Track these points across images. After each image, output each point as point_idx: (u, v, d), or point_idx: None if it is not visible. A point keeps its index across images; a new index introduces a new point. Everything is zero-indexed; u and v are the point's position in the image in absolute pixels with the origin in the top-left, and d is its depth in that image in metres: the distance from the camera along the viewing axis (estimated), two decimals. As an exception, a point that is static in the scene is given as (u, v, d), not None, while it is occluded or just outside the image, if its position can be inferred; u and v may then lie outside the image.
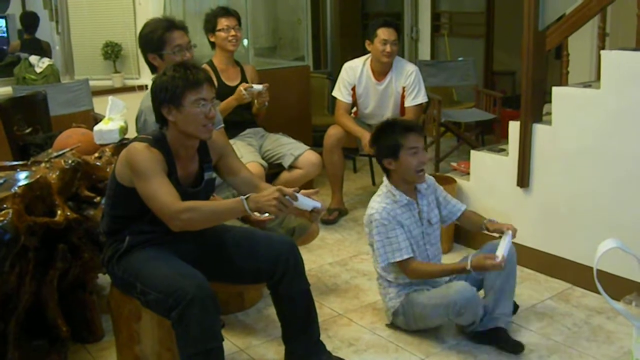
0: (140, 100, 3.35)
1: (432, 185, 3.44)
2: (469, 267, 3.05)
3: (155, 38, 3.28)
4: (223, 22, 4.50)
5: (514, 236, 3.18)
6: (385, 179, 3.34)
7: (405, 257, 3.19)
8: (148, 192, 2.57)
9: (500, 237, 3.20)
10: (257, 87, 4.36)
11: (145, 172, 2.57)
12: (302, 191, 2.61)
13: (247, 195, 2.53)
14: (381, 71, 4.93)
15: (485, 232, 3.38)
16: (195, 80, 2.61)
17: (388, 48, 4.78)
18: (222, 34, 4.50)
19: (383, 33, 4.78)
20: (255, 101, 4.46)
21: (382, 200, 3.28)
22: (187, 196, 2.66)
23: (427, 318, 3.24)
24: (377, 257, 3.27)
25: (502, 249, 3.04)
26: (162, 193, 2.55)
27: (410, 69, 4.97)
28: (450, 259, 3.53)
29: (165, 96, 2.61)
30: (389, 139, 3.24)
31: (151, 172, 2.57)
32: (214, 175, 2.90)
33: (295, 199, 2.53)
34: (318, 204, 2.62)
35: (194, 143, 2.74)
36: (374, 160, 5.98)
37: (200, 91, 2.62)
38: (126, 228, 2.72)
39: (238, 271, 2.90)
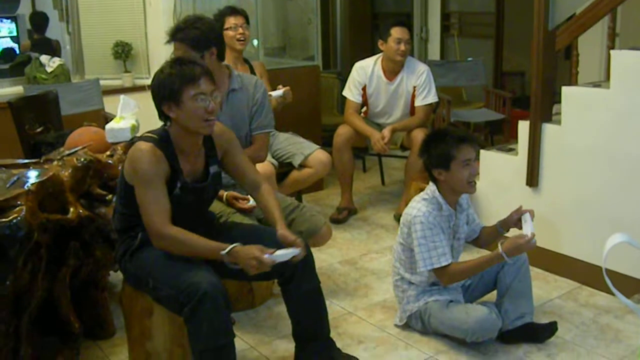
0: None
1: (468, 201, 3.43)
2: (503, 254, 3.05)
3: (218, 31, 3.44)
4: (231, 21, 4.50)
5: (532, 216, 3.18)
6: (431, 184, 3.27)
7: (448, 262, 3.16)
8: (142, 201, 2.63)
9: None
10: (276, 93, 4.33)
11: (145, 180, 2.61)
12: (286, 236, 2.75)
13: (230, 248, 2.58)
14: (393, 71, 4.95)
15: (504, 232, 3.40)
16: (192, 75, 2.62)
17: (402, 47, 4.81)
18: (230, 33, 4.50)
19: (397, 32, 4.81)
20: (274, 104, 4.41)
21: (428, 204, 3.22)
22: (195, 192, 2.71)
23: (443, 332, 3.26)
24: (419, 260, 3.18)
25: (528, 227, 3.10)
26: (154, 209, 2.60)
27: (422, 68, 4.99)
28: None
29: (164, 93, 2.63)
30: (441, 149, 3.16)
31: (150, 182, 2.61)
32: (220, 169, 2.92)
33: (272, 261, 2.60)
34: (296, 252, 2.67)
35: (197, 138, 2.75)
36: (383, 159, 6.01)
37: (198, 86, 2.62)
38: (138, 225, 2.74)
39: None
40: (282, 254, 2.63)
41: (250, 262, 2.56)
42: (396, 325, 3.44)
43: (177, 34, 3.33)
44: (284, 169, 4.49)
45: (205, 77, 2.65)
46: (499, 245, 3.08)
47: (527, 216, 3.18)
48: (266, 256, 2.57)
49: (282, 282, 2.93)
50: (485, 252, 3.61)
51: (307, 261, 2.90)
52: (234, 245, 2.59)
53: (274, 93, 4.32)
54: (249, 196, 3.40)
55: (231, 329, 2.58)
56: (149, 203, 2.60)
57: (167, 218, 2.61)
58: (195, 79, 2.62)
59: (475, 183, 3.21)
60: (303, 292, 2.90)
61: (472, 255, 3.64)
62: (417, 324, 3.34)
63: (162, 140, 2.67)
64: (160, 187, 2.62)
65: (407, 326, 3.40)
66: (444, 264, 3.15)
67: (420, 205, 3.23)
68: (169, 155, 2.66)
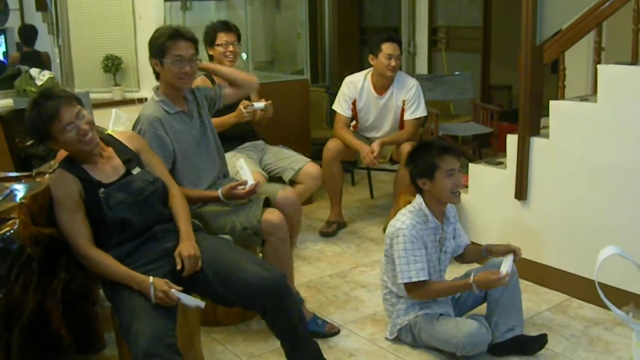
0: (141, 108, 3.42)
1: (455, 215, 3.46)
2: (473, 285, 3.10)
3: (158, 44, 3.27)
4: (222, 37, 4.51)
5: (517, 255, 3.22)
6: (419, 197, 3.31)
7: (425, 278, 3.19)
8: (61, 224, 2.77)
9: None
10: (258, 105, 4.34)
11: (59, 203, 2.77)
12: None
13: (141, 281, 2.68)
14: (383, 85, 4.98)
15: (488, 256, 3.42)
16: (53, 112, 2.71)
17: (393, 62, 4.84)
18: (220, 49, 4.52)
19: (387, 48, 4.84)
20: (256, 116, 4.44)
21: (413, 217, 3.25)
22: (121, 188, 2.82)
23: (434, 345, 3.28)
24: (398, 272, 3.22)
25: (506, 265, 3.11)
26: (73, 231, 2.76)
27: (411, 83, 5.03)
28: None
29: (38, 137, 2.83)
30: (426, 159, 3.22)
31: (63, 204, 2.77)
32: (141, 167, 2.97)
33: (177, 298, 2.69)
34: (201, 305, 2.74)
35: (88, 151, 2.81)
36: (372, 173, 6.03)
37: (62, 120, 2.71)
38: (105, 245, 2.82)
39: (217, 296, 2.90)
40: (187, 300, 2.72)
41: (158, 295, 2.64)
42: (387, 339, 3.45)
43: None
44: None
45: (63, 107, 2.72)
46: (472, 276, 3.13)
47: (511, 257, 3.20)
48: (173, 291, 2.67)
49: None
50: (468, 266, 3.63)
51: (281, 298, 2.82)
52: (147, 278, 2.68)
53: (256, 104, 4.34)
54: (245, 178, 3.40)
55: None
56: (67, 227, 2.76)
57: (87, 239, 2.76)
58: (56, 115, 2.71)
59: (459, 193, 3.26)
60: (279, 325, 2.88)
61: (459, 268, 3.66)
62: (408, 337, 3.35)
63: (67, 162, 2.85)
64: (75, 207, 2.76)
65: (397, 339, 3.41)
66: (421, 278, 3.18)
67: (405, 217, 3.26)
68: (76, 170, 2.80)
